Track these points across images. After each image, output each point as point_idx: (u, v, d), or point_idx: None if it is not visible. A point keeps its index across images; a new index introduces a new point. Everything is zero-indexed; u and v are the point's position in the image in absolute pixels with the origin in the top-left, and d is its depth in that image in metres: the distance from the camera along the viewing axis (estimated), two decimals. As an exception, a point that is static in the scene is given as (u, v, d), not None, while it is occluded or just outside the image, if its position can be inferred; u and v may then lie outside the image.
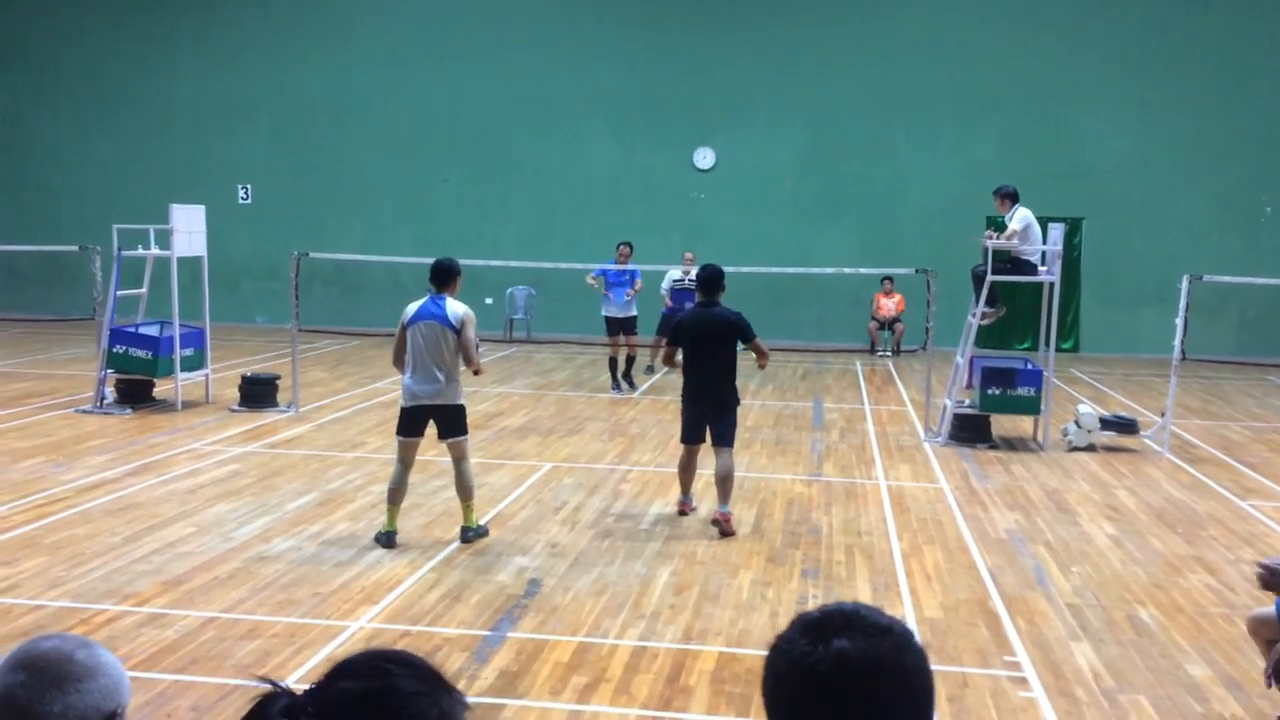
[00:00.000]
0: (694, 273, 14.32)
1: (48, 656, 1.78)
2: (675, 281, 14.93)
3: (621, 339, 13.93)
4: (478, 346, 7.55)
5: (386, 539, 7.31)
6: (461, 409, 7.46)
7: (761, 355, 8.09)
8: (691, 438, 8.15)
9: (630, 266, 13.79)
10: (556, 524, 8.01)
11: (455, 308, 7.27)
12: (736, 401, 8.07)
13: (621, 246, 13.87)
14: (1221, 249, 17.85)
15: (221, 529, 7.65)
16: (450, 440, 7.46)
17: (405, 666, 1.43)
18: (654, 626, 6.04)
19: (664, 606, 6.35)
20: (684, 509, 8.37)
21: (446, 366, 7.27)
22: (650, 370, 15.40)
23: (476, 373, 7.52)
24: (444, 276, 7.36)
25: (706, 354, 7.93)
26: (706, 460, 8.41)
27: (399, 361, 7.42)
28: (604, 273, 13.89)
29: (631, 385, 14.11)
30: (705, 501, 8.59)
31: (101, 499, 8.33)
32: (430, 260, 7.66)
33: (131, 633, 5.75)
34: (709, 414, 8.00)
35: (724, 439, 7.98)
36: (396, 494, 7.37)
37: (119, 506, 8.14)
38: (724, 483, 7.93)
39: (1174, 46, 18.26)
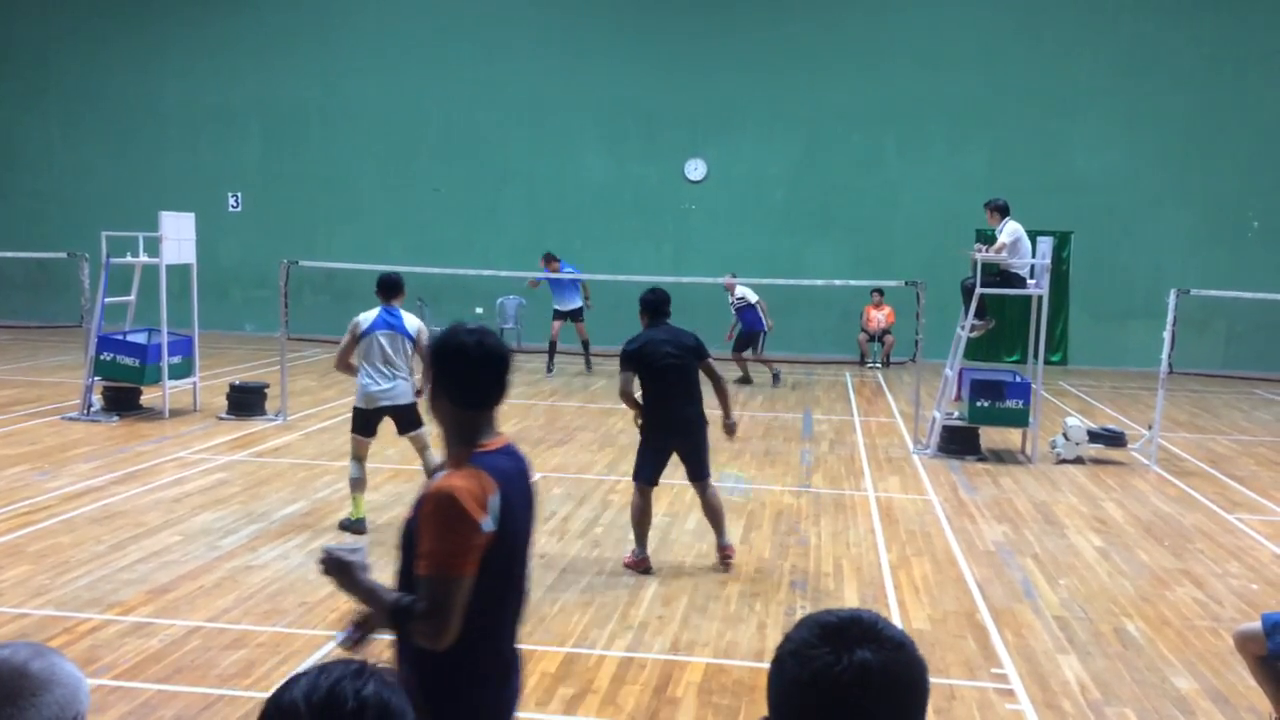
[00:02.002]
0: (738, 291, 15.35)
1: (0, 670, 1.71)
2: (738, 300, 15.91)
3: (568, 322, 16.17)
4: None
5: (357, 524, 7.79)
6: (416, 405, 8.00)
7: (716, 378, 7.23)
8: (653, 475, 7.20)
9: (571, 274, 15.91)
10: (545, 534, 7.98)
11: (411, 321, 7.99)
12: (706, 423, 7.28)
13: (549, 260, 15.89)
14: (1209, 263, 17.93)
15: (207, 538, 7.62)
16: (411, 434, 8.07)
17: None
18: (641, 637, 6.03)
19: (652, 617, 6.34)
20: (639, 564, 7.17)
21: (404, 369, 7.92)
22: None
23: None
24: (394, 289, 8.06)
25: (674, 376, 7.06)
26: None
27: (344, 366, 7.96)
28: (549, 280, 16.10)
29: (589, 368, 16.26)
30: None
31: (87, 507, 8.29)
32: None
33: (115, 642, 5.72)
34: (680, 445, 7.21)
35: (701, 472, 7.24)
36: (359, 483, 7.91)
37: (104, 515, 8.10)
38: (718, 515, 7.30)
39: (1162, 61, 18.37)
